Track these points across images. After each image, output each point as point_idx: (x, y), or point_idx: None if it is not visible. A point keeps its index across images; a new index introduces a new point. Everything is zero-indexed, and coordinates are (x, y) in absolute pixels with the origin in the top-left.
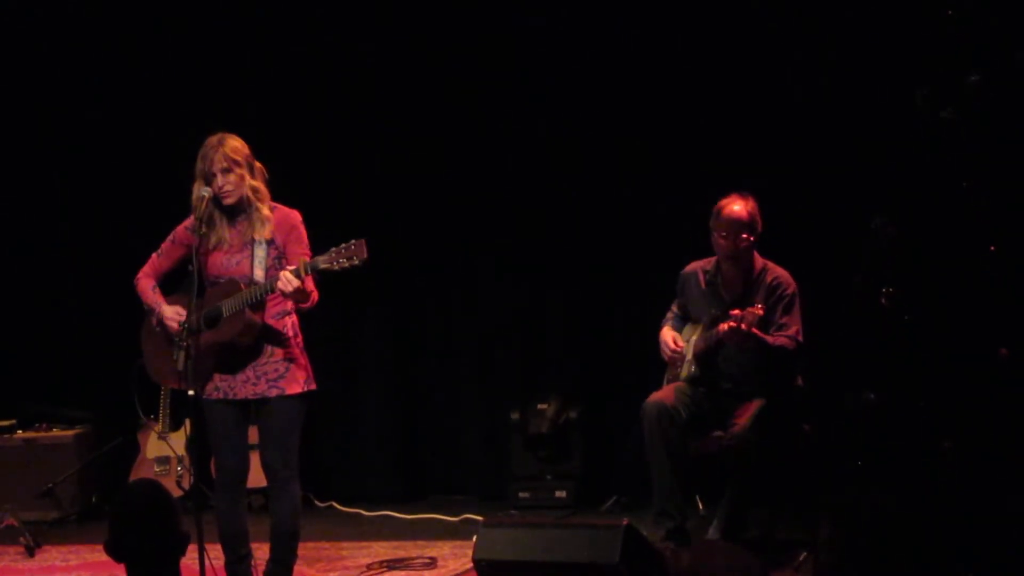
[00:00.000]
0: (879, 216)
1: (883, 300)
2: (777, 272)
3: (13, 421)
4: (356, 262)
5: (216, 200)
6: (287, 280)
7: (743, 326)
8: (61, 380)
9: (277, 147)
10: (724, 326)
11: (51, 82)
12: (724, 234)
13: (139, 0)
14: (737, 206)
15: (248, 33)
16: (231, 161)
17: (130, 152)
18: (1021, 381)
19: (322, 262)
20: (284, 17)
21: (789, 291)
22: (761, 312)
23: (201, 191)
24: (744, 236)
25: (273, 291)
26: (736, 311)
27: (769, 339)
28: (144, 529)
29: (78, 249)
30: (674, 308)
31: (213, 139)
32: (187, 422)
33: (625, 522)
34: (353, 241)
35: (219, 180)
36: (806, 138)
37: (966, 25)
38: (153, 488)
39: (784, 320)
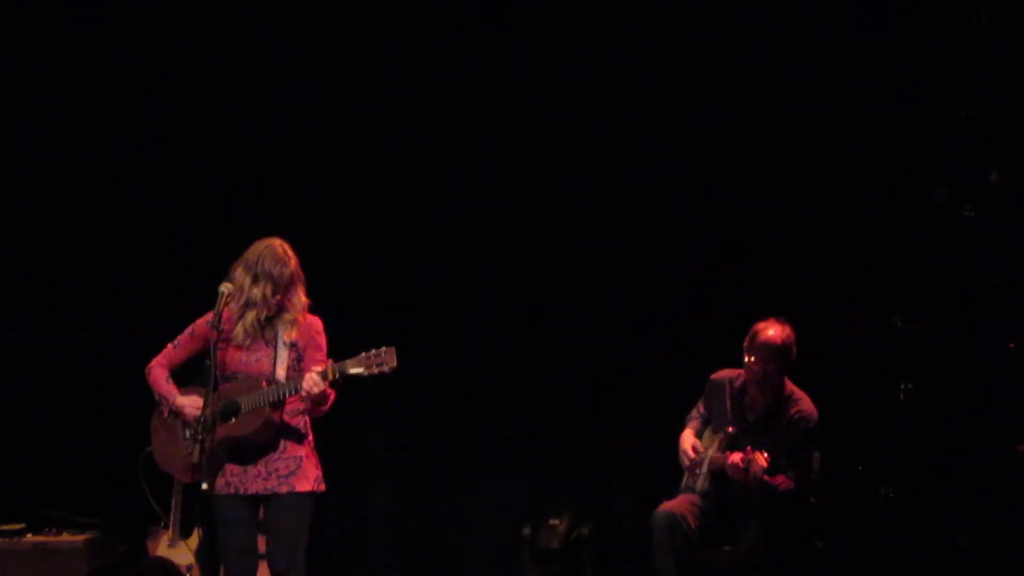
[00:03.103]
0: (900, 315)
1: (900, 396)
2: (801, 406)
3: (23, 525)
4: (386, 370)
5: (251, 300)
6: (314, 382)
7: (750, 471)
8: (72, 484)
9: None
10: (732, 460)
11: None
12: (754, 359)
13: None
14: (772, 331)
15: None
16: (299, 278)
17: (129, 247)
18: None
19: (351, 366)
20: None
21: (810, 426)
22: (766, 464)
23: (222, 287)
24: (775, 364)
25: (297, 392)
26: (748, 452)
27: (775, 482)
28: None
29: (88, 353)
30: (700, 408)
31: (277, 248)
32: (197, 530)
33: None
34: (384, 348)
35: (281, 295)
36: (828, 236)
37: (986, 125)
38: (166, 566)
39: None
